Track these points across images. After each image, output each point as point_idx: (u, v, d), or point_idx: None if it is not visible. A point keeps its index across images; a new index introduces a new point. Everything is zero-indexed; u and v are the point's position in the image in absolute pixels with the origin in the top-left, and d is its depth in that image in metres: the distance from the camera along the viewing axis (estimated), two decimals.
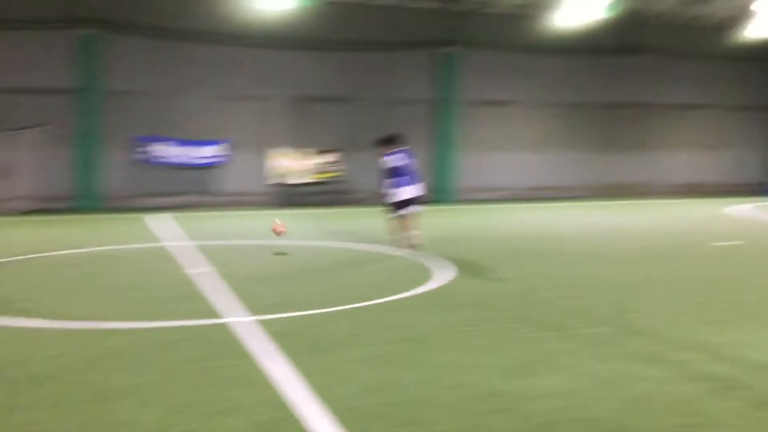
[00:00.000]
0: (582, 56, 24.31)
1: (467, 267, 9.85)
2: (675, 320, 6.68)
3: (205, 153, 21.18)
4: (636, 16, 23.85)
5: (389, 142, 11.46)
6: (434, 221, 12.53)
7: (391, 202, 11.36)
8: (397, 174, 11.24)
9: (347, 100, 22.42)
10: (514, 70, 23.76)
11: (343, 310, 7.09)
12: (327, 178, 21.91)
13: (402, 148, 11.46)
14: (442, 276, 9.02)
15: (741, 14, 23.36)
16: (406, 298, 7.67)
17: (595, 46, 24.14)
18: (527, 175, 24.47)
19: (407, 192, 11.23)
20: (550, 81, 24.31)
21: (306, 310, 7.00)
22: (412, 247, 11.14)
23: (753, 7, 22.12)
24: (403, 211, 11.26)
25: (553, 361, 5.33)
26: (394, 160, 11.27)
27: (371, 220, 16.94)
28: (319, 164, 21.85)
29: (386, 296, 7.69)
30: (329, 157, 21.94)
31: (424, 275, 9.09)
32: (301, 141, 21.81)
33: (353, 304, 7.32)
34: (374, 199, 22.06)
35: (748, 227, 15.41)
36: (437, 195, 21.70)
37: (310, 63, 21.97)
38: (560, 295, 7.92)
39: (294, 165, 21.59)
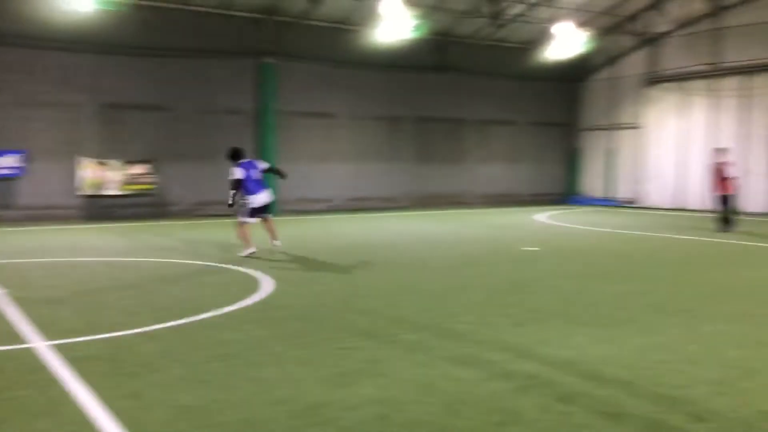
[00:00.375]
0: (398, 72, 25.18)
1: (289, 279, 9.76)
2: (486, 322, 7.05)
3: (1, 164, 19.22)
4: (445, 37, 25.18)
5: (237, 153, 12.29)
6: (256, 233, 12.31)
7: (243, 209, 12.10)
8: (248, 183, 11.98)
9: (161, 109, 21.42)
10: (334, 82, 24.06)
11: (155, 329, 6.69)
12: (138, 189, 20.75)
13: (251, 160, 12.74)
14: (264, 289, 8.85)
15: (541, 37, 25.44)
16: (226, 314, 7.41)
17: (410, 62, 25.10)
18: (348, 186, 24.84)
19: (259, 199, 12.10)
20: (369, 95, 24.91)
21: (113, 331, 6.53)
22: (274, 248, 12.30)
23: (552, 30, 24.17)
24: (255, 218, 12.18)
25: (374, 369, 5.39)
26: (243, 170, 12.00)
27: (190, 232, 16.30)
28: (129, 175, 20.64)
29: (205, 312, 7.38)
30: (140, 168, 20.81)
31: (246, 289, 8.86)
32: (110, 151, 20.48)
33: (168, 322, 6.94)
34: (192, 211, 21.32)
35: (549, 233, 16.74)
36: None
37: (122, 69, 20.72)
38: (380, 303, 8.07)
39: (103, 176, 20.22)
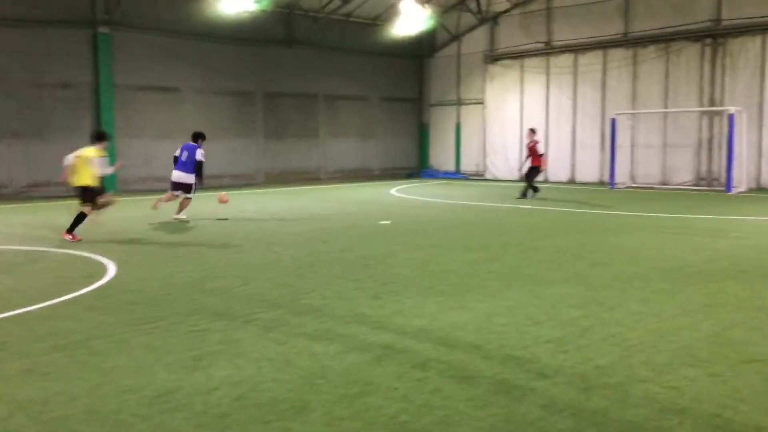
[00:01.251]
0: (246, 45, 24.52)
1: (135, 262, 9.29)
2: (343, 296, 7.08)
3: None
4: (291, 10, 24.82)
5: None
6: (106, 214, 11.60)
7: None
8: (176, 161, 14.01)
9: None
10: (178, 55, 22.99)
11: None
12: None
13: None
14: (109, 273, 8.37)
15: (388, 12, 25.71)
16: (68, 301, 6.93)
17: (258, 36, 24.52)
18: None
19: (174, 176, 14.01)
20: (216, 68, 24.06)
21: None
22: (177, 220, 13.76)
23: (400, 6, 24.48)
24: (174, 192, 14.08)
25: (230, 350, 5.26)
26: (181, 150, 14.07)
27: (23, 216, 15.07)
28: None
29: (44, 301, 6.86)
30: None
31: (89, 274, 8.33)
32: None
33: (3, 313, 6.38)
34: (24, 193, 19.71)
35: (402, 207, 17.10)
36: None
37: None
38: (233, 283, 7.88)
39: None
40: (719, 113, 21.30)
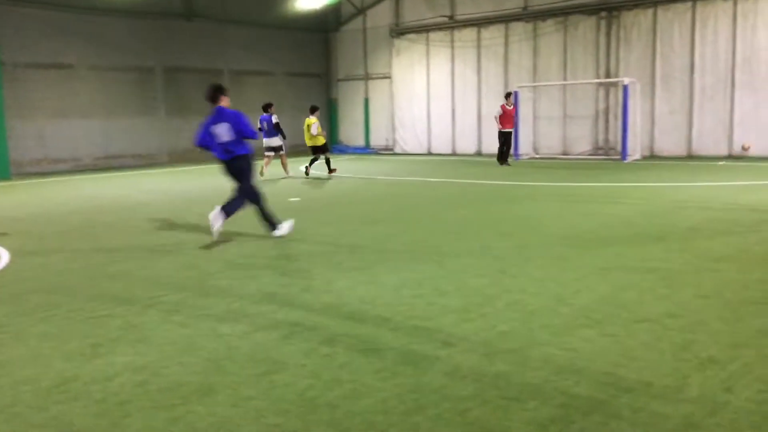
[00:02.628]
0: (143, 19, 23.56)
1: (28, 249, 8.84)
2: (250, 275, 6.98)
3: None
4: None
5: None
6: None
7: None
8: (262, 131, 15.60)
9: None
10: (70, 30, 21.83)
11: None
12: None
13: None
14: (1, 262, 7.94)
15: None
16: None
17: (155, 8, 23.61)
18: (96, 144, 22.96)
19: (265, 143, 16.48)
20: (113, 44, 23.01)
21: None
22: None
23: None
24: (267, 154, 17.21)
25: (131, 336, 5.10)
26: None
27: None
28: None
29: None
30: None
31: None
32: None
33: None
34: None
35: (311, 183, 16.99)
36: None
37: None
38: (135, 266, 7.64)
39: None
40: (614, 84, 22.19)
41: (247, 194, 9.16)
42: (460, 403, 3.75)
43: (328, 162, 18.48)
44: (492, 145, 25.22)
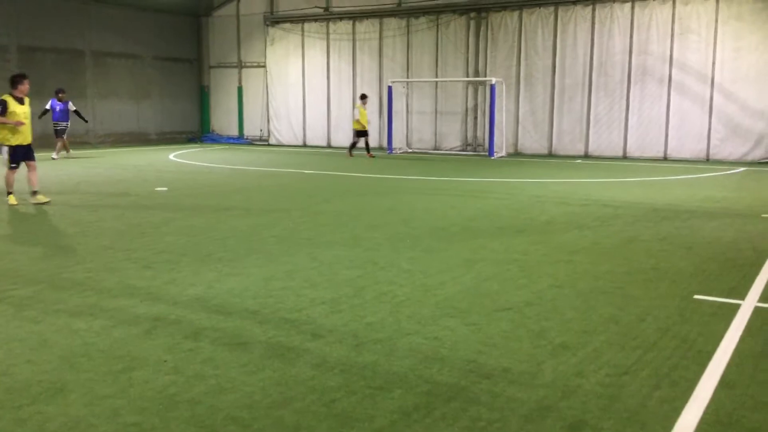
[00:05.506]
0: None
1: None
2: (110, 268, 6.66)
3: None
4: None
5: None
6: None
7: None
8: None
9: None
10: None
11: None
12: None
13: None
14: None
15: None
16: None
17: None
18: None
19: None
20: None
21: None
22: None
23: None
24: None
25: None
26: None
27: None
28: None
29: None
30: None
31: None
32: None
33: None
34: None
35: (181, 172, 16.42)
36: None
37: None
38: None
39: None
40: (483, 83, 23.01)
41: None
42: (327, 395, 3.76)
43: (367, 145, 21.33)
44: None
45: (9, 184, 10.79)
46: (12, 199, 10.74)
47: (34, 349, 4.43)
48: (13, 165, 10.74)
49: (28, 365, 4.16)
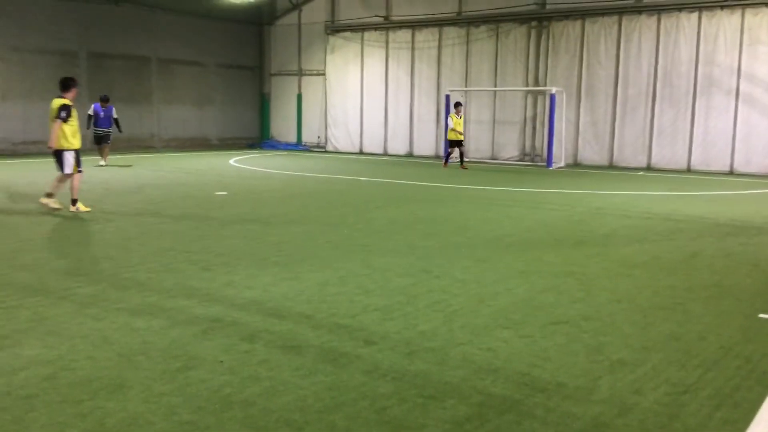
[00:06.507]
0: (68, 1, 22.68)
1: None
2: (171, 269, 6.82)
3: None
4: None
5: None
6: None
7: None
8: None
9: None
10: None
11: None
12: None
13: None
14: None
15: None
16: None
17: None
18: (16, 128, 21.99)
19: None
20: (33, 25, 22.07)
21: None
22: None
23: None
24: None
25: (41, 328, 4.90)
26: None
27: None
28: None
29: None
30: None
31: None
32: None
33: None
34: None
35: (241, 178, 16.73)
36: None
37: None
38: (50, 255, 7.35)
39: None
40: (542, 93, 22.74)
41: None
42: (379, 401, 3.76)
43: (461, 156, 20.56)
44: (423, 146, 25.55)
45: (75, 189, 10.50)
46: (82, 207, 10.50)
47: (96, 346, 4.56)
48: (80, 169, 10.55)
49: (89, 361, 4.29)
